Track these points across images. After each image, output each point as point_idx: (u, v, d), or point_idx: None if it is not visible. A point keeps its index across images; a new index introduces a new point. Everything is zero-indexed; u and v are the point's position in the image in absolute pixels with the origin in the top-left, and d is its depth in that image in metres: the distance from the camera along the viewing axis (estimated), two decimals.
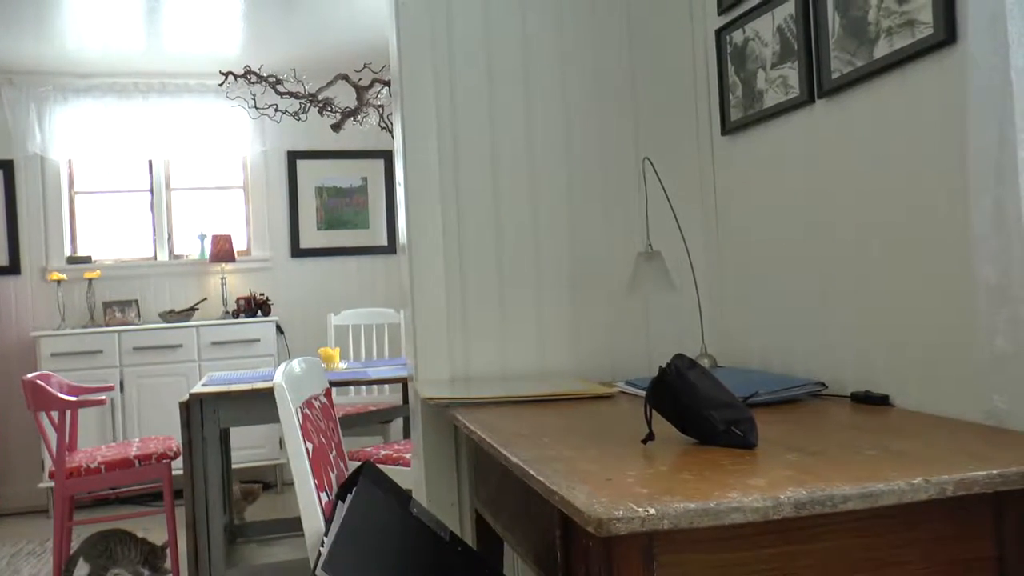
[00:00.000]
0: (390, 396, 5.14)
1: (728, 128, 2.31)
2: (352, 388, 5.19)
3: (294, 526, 4.37)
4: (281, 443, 5.41)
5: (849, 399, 1.79)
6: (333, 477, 1.52)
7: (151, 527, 4.69)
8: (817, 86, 1.93)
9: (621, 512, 1.01)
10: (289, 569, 3.78)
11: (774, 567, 1.16)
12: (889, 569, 1.19)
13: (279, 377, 1.35)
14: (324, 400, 1.66)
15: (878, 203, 1.75)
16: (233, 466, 4.92)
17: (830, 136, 1.90)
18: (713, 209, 2.43)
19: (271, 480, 5.67)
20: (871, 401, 1.73)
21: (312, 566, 1.31)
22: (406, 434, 5.18)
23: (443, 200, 2.33)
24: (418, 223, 2.32)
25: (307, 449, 1.33)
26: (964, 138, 1.51)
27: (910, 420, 1.54)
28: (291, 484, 5.57)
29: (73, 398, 3.79)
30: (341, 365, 4.14)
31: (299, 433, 1.30)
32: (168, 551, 3.73)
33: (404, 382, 4.25)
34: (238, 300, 5.58)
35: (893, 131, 1.70)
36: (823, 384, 1.85)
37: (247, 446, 5.26)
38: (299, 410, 1.35)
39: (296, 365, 1.50)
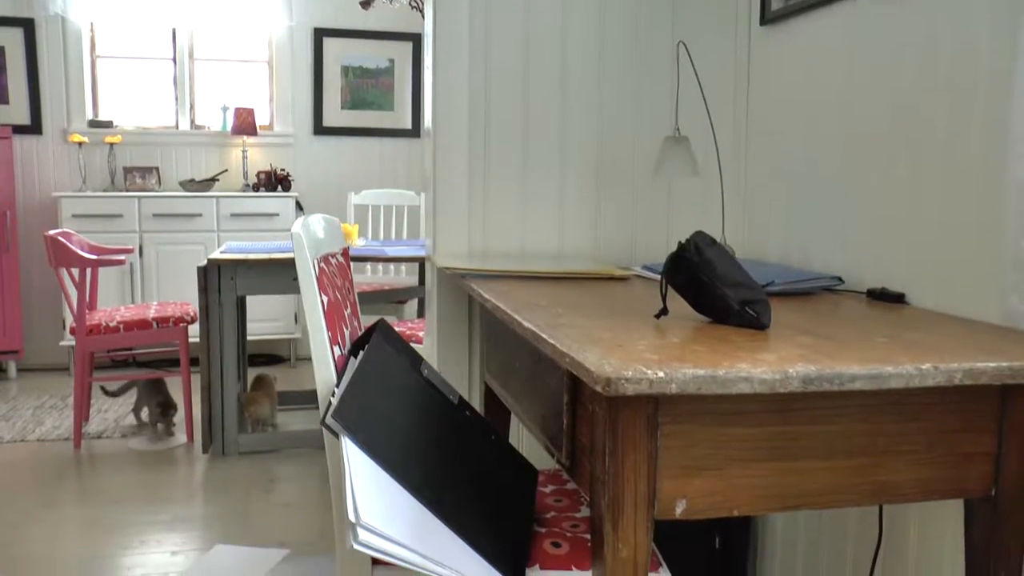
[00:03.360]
0: (406, 277, 5.18)
1: (768, 18, 2.24)
2: (368, 266, 5.23)
3: (306, 399, 4.47)
4: (296, 318, 5.49)
5: (865, 295, 1.78)
6: (347, 333, 1.54)
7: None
8: None
9: (630, 372, 1.01)
10: (299, 437, 3.89)
11: (775, 445, 1.17)
12: (888, 456, 1.21)
13: (297, 227, 1.35)
14: (341, 259, 1.66)
15: (915, 100, 1.70)
16: (248, 338, 5.01)
17: (872, 31, 1.83)
18: (745, 100, 2.37)
19: (285, 354, 5.77)
20: (887, 298, 1.72)
21: (321, 416, 1.34)
22: (420, 314, 5.25)
23: (471, 80, 2.29)
24: (444, 105, 2.28)
25: (322, 302, 1.34)
26: (1016, 32, 1.45)
27: (925, 316, 1.53)
28: (304, 359, 5.68)
29: (93, 256, 3.84)
30: (359, 242, 4.16)
31: (315, 283, 1.31)
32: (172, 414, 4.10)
33: (421, 262, 4.28)
34: (258, 174, 5.57)
35: (941, 25, 1.63)
36: (840, 279, 1.84)
37: (262, 319, 5.34)
38: (316, 262, 1.36)
39: (314, 220, 1.50)
